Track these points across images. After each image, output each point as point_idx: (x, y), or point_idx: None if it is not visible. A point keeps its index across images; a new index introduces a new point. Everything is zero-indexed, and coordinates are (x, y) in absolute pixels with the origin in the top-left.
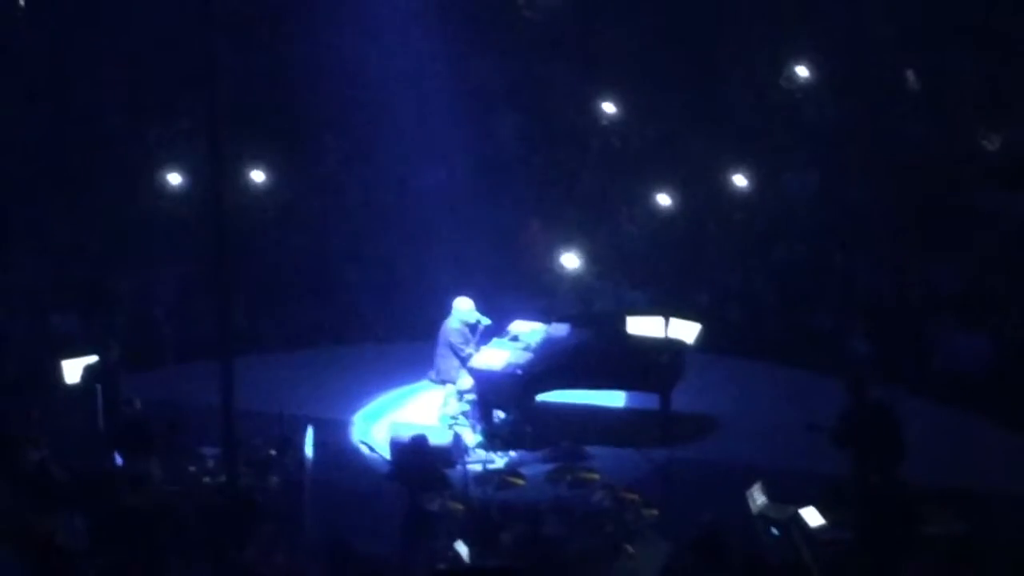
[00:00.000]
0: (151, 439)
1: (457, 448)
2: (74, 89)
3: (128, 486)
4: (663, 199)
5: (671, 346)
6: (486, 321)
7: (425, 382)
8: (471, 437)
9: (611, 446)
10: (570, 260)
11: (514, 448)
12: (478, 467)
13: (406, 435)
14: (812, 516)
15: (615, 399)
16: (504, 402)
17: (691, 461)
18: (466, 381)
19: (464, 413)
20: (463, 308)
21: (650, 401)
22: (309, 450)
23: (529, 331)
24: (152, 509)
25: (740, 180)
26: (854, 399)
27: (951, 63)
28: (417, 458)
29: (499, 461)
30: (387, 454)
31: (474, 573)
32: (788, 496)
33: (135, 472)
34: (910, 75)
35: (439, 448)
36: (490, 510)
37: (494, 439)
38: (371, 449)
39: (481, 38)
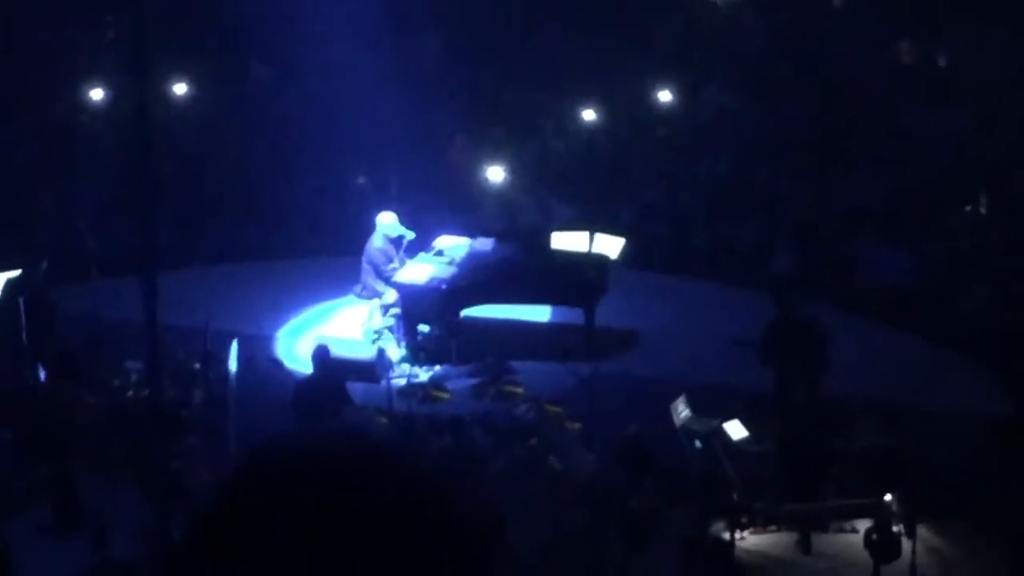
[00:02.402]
0: (78, 368)
1: (381, 362)
2: None
3: (52, 402)
4: (588, 114)
5: (595, 261)
6: (411, 235)
7: (351, 297)
8: (395, 352)
9: (536, 360)
10: (495, 174)
11: (439, 362)
12: (402, 381)
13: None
14: (735, 429)
15: (540, 314)
16: (428, 316)
17: (615, 375)
18: (391, 296)
19: (389, 328)
20: (386, 223)
21: (575, 316)
22: (233, 365)
23: (454, 246)
24: (76, 423)
25: (665, 96)
26: (779, 313)
27: None
28: (319, 374)
29: (424, 375)
30: (307, 368)
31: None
32: (711, 409)
33: (60, 393)
34: None
35: (361, 362)
36: (415, 423)
37: (419, 353)
38: (278, 365)
39: None
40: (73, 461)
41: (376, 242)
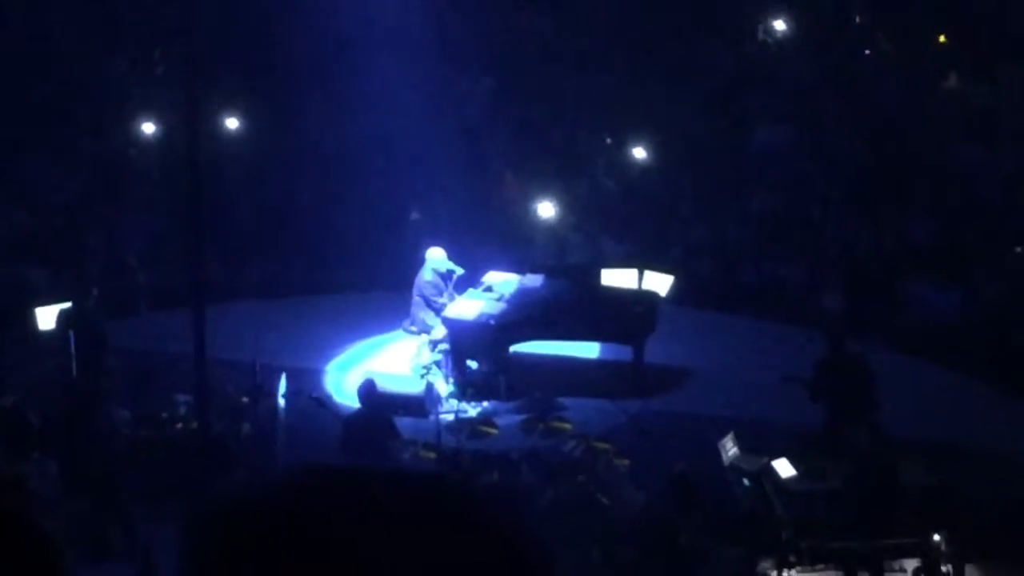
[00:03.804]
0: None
1: (430, 397)
2: (48, 36)
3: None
4: (638, 151)
5: (644, 298)
6: (460, 271)
7: (400, 331)
8: (444, 387)
9: (584, 397)
10: (546, 210)
11: (487, 398)
12: (451, 416)
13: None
14: (783, 467)
15: (588, 350)
16: (477, 352)
17: (663, 412)
18: (440, 331)
19: (437, 363)
20: (435, 257)
21: (623, 352)
22: (282, 399)
23: (503, 281)
24: (123, 455)
25: (714, 132)
26: (831, 351)
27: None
28: (366, 408)
29: (472, 411)
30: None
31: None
32: (760, 447)
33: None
34: (883, 40)
35: (410, 397)
36: (462, 459)
37: (467, 389)
38: (321, 404)
39: None
40: (110, 489)
41: (426, 275)
